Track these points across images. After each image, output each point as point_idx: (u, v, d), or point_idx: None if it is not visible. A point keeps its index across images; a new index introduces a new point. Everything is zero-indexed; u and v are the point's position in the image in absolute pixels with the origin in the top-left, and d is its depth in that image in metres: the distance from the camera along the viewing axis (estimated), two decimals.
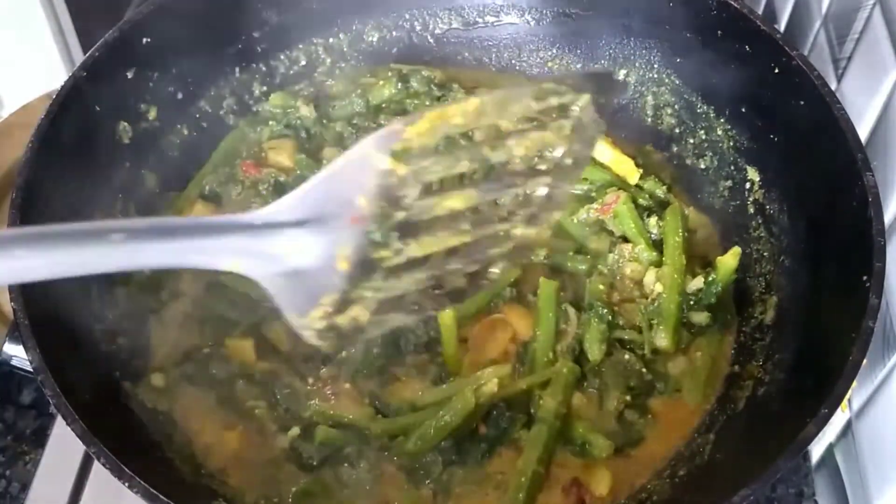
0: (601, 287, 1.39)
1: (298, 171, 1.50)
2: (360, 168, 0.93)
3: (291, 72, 1.64)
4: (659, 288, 1.37)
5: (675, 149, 1.57)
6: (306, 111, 1.58)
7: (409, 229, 0.95)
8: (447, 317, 1.34)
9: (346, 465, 1.26)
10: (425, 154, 0.94)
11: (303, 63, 1.64)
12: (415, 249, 0.96)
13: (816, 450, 1.49)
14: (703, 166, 1.52)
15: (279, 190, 1.48)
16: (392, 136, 0.93)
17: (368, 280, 0.95)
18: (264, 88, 1.61)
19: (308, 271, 0.93)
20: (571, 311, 1.37)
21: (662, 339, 1.35)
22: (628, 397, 1.32)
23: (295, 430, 1.28)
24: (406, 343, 1.35)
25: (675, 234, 1.41)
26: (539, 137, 0.99)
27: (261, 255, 0.91)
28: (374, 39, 1.67)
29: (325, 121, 1.59)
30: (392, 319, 1.00)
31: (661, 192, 1.50)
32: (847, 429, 1.42)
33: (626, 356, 1.34)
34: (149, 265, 0.95)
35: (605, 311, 1.35)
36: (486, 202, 0.99)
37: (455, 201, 0.97)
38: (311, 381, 1.32)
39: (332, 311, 0.95)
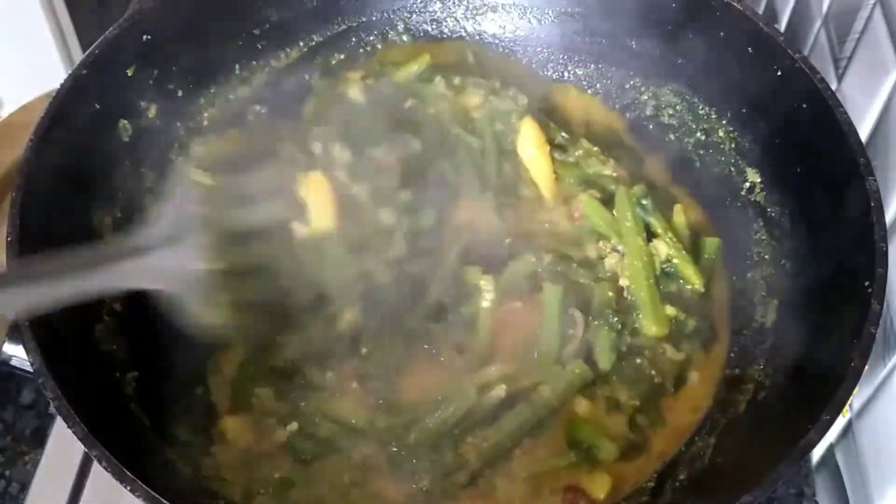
0: (610, 294, 1.39)
1: None
2: (184, 183, 1.22)
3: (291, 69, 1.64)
4: (625, 282, 1.40)
5: (675, 150, 1.57)
6: None
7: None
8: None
9: (337, 458, 1.27)
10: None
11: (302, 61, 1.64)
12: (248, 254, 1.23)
13: (817, 450, 1.49)
14: (703, 168, 1.52)
15: None
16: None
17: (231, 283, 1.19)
18: None
19: (183, 277, 1.15)
20: (578, 315, 1.36)
21: (650, 328, 1.37)
22: (637, 402, 1.32)
23: (294, 426, 1.28)
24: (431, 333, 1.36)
25: (626, 220, 1.42)
26: None
27: (158, 272, 1.13)
28: (372, 38, 1.67)
29: None
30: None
31: (608, 171, 1.52)
32: (848, 429, 1.42)
33: (638, 360, 1.35)
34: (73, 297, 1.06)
35: (616, 318, 1.36)
36: None
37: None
38: (329, 375, 1.32)
39: (221, 313, 1.20)
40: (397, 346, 1.34)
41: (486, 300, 1.36)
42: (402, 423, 1.28)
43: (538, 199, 1.51)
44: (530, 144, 1.51)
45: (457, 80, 1.60)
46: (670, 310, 1.38)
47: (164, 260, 1.12)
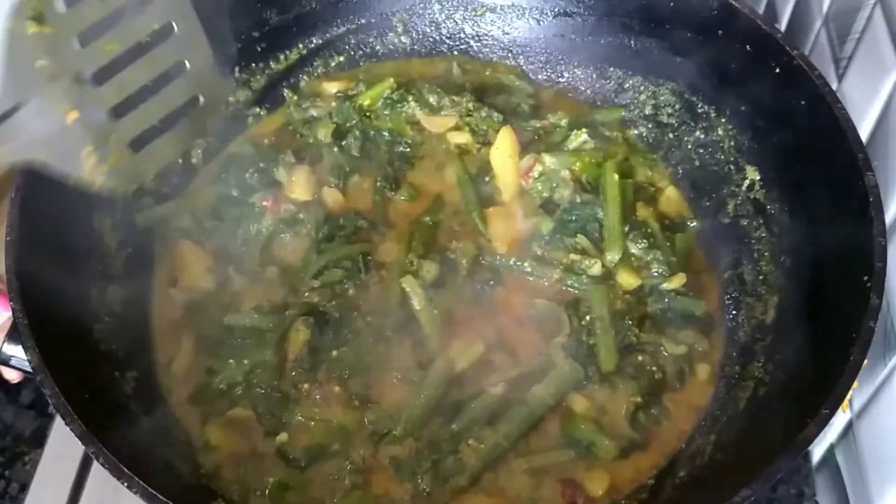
0: (603, 293, 1.39)
1: None
2: (16, 42, 1.05)
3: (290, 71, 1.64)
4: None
5: (674, 149, 1.56)
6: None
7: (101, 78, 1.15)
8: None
9: (333, 462, 1.27)
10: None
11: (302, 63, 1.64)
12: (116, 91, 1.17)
13: (817, 450, 1.49)
14: (703, 166, 1.52)
15: None
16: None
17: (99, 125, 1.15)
18: None
19: (53, 136, 1.09)
20: (563, 316, 1.38)
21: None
22: (639, 399, 1.32)
23: (283, 437, 1.28)
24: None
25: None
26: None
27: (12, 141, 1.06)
28: (371, 39, 1.68)
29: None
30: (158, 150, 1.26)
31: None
32: (848, 429, 1.42)
33: (640, 358, 1.34)
34: None
35: (613, 318, 1.36)
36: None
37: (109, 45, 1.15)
38: (305, 387, 1.32)
39: (98, 160, 1.14)
40: (366, 344, 1.34)
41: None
42: (387, 415, 1.29)
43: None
44: (503, 153, 1.51)
45: (432, 99, 1.60)
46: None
47: (21, 128, 1.06)
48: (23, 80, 1.06)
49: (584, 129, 1.52)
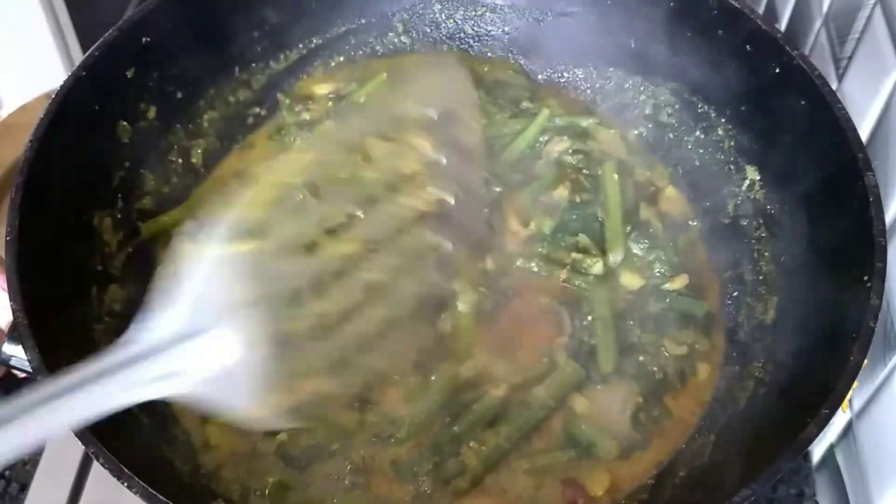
0: (604, 293, 1.39)
1: None
2: (218, 263, 0.91)
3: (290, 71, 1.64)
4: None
5: (674, 149, 1.56)
6: None
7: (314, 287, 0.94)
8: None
9: (333, 462, 1.27)
10: (274, 221, 0.92)
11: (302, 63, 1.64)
12: (322, 306, 0.94)
13: (817, 450, 1.49)
14: (703, 166, 1.52)
15: None
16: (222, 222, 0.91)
17: (296, 351, 0.93)
18: None
19: (232, 370, 0.90)
20: (565, 314, 1.38)
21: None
22: (640, 398, 1.32)
23: (283, 437, 1.27)
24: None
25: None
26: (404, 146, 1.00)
27: (177, 375, 0.88)
28: (371, 39, 1.68)
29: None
30: (360, 369, 1.01)
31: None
32: (848, 429, 1.41)
33: (641, 358, 1.34)
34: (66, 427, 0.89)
35: (614, 318, 1.36)
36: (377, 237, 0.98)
37: (342, 246, 0.95)
38: None
39: (287, 394, 0.94)
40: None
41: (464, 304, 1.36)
42: (388, 419, 1.29)
43: None
44: None
45: None
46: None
47: (184, 359, 0.88)
48: (213, 307, 0.89)
49: (564, 137, 1.53)
